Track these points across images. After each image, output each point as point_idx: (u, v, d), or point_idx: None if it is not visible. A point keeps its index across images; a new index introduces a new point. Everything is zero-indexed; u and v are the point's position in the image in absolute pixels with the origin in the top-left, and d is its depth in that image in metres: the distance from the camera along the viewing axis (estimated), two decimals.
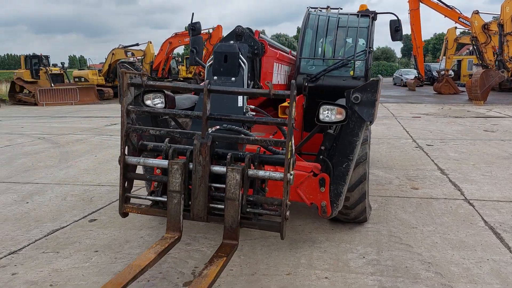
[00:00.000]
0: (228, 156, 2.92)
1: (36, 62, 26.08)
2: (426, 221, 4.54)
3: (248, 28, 3.83)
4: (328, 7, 5.64)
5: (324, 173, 3.69)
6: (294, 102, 2.74)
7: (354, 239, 4.08)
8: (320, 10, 5.59)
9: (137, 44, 26.36)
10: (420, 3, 25.62)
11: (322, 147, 3.80)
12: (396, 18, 5.21)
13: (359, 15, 5.36)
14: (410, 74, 32.45)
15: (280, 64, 4.66)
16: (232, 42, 3.62)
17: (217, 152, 3.02)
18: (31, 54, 26.46)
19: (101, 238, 4.18)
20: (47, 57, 26.75)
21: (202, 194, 2.95)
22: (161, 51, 29.38)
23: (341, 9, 5.62)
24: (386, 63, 56.25)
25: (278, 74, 4.63)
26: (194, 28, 4.89)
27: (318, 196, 3.69)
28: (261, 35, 3.99)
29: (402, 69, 40.01)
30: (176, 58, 33.69)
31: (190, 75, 33.09)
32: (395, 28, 5.15)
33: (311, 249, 3.87)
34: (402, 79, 33.88)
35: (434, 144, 9.04)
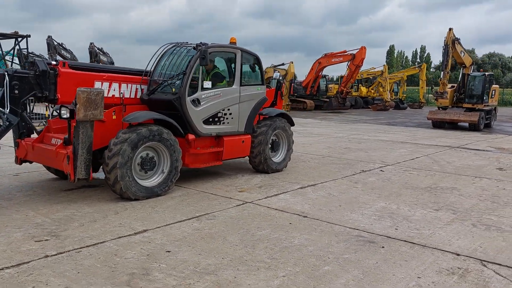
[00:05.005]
0: None
1: None
2: (178, 208, 6.13)
3: (55, 60, 6.48)
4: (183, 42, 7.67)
5: (71, 152, 5.97)
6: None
7: (104, 209, 6.08)
8: (172, 44, 7.71)
9: (283, 64, 29.64)
10: None
11: (72, 136, 6.05)
12: (203, 49, 6.74)
13: (193, 48, 7.19)
14: None
15: (116, 83, 6.92)
16: (16, 69, 6.33)
17: None
18: None
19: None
20: None
21: None
22: (311, 70, 31.88)
23: (187, 43, 7.61)
24: None
25: (115, 90, 6.91)
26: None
27: (67, 167, 6.04)
28: (70, 63, 6.54)
29: None
30: (327, 77, 35.68)
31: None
32: (202, 56, 6.72)
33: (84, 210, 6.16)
34: None
35: (385, 172, 9.27)
